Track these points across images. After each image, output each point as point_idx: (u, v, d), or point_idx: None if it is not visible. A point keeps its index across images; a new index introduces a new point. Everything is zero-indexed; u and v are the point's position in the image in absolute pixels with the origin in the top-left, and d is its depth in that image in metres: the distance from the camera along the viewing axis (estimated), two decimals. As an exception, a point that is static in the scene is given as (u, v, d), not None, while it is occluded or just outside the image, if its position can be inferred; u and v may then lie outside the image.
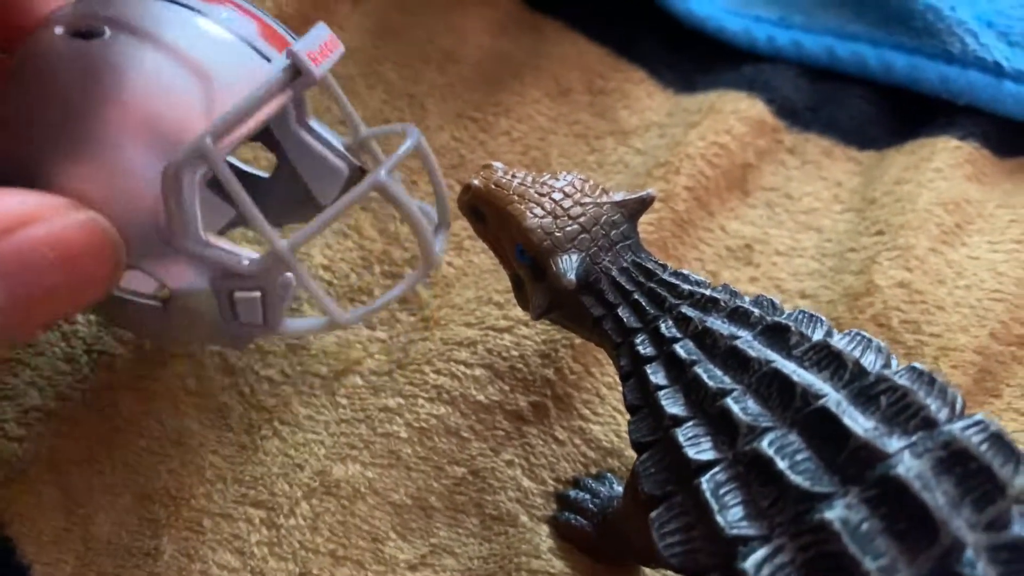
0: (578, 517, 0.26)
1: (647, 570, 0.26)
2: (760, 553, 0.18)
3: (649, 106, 0.37)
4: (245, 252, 0.22)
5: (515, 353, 0.28)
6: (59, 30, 0.21)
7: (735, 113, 0.36)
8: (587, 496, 0.26)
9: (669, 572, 0.26)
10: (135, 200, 0.20)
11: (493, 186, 0.25)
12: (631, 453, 0.28)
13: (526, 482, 0.27)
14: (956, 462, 0.18)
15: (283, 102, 0.21)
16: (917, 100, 0.39)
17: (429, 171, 0.26)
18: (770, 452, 0.19)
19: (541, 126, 0.36)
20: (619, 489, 0.26)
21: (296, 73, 0.21)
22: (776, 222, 0.35)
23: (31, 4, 0.22)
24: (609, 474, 0.27)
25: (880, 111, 0.39)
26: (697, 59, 0.39)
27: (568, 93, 0.37)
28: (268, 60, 0.22)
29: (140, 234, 0.21)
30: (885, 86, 0.39)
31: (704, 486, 0.19)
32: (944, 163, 0.36)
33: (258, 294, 0.22)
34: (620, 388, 0.29)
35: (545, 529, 0.26)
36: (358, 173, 0.27)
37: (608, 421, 0.28)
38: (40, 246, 0.17)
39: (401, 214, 0.24)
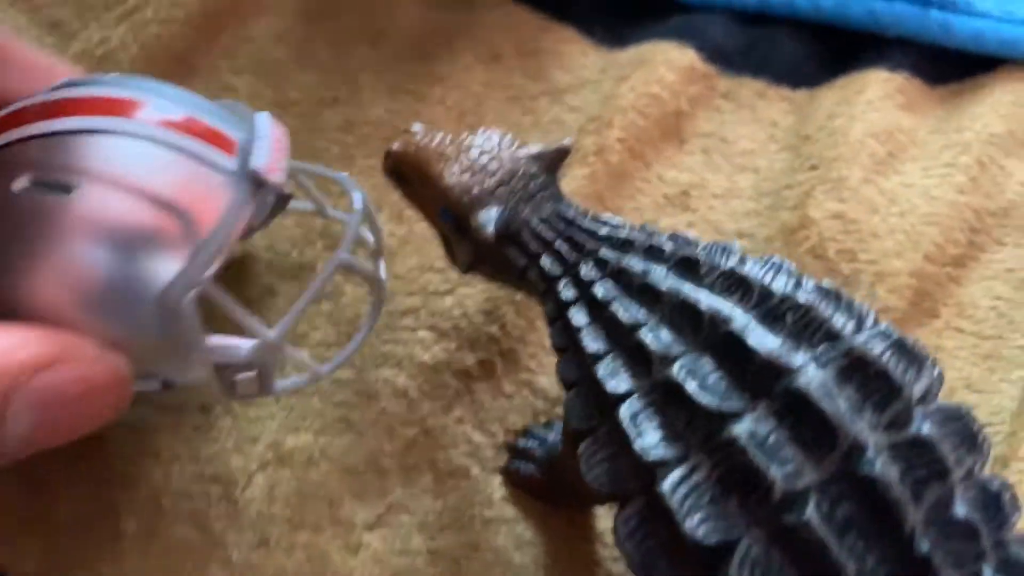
0: (527, 464, 0.27)
1: (600, 509, 0.27)
2: (676, 473, 0.19)
3: (582, 63, 0.38)
4: (238, 342, 0.24)
5: (457, 313, 0.29)
6: (24, 182, 0.21)
7: (666, 63, 0.36)
8: (535, 443, 0.27)
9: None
10: (142, 326, 0.22)
11: (413, 149, 0.25)
12: (579, 401, 0.29)
13: (477, 436, 0.28)
14: (856, 369, 0.19)
15: (249, 213, 0.23)
16: (847, 36, 0.39)
17: (369, 219, 0.28)
18: (680, 377, 0.19)
19: (475, 92, 0.36)
20: (566, 435, 0.27)
21: (258, 183, 0.23)
22: (713, 167, 0.35)
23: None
24: (557, 421, 0.28)
25: (811, 49, 0.39)
26: (627, 14, 0.40)
27: (500, 58, 0.37)
28: (224, 172, 0.23)
29: (147, 353, 0.22)
30: (815, 25, 0.40)
31: (622, 415, 0.20)
32: (875, 95, 0.36)
33: (255, 373, 0.24)
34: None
35: (497, 479, 0.27)
36: (284, 199, 0.28)
37: (554, 371, 0.29)
38: (68, 384, 0.20)
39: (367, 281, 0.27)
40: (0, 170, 0.21)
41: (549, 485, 0.26)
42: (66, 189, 0.21)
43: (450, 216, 0.24)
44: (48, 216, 0.21)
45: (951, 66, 0.38)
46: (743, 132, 0.37)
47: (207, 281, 0.22)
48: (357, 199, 0.27)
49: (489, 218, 0.23)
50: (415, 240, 0.32)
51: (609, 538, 0.26)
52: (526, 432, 0.28)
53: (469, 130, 0.26)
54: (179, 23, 0.34)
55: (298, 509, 0.26)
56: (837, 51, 0.39)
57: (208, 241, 0.22)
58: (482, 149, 0.25)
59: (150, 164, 0.22)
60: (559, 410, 0.29)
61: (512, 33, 0.38)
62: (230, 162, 0.23)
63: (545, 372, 0.29)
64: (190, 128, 0.23)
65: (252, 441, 0.27)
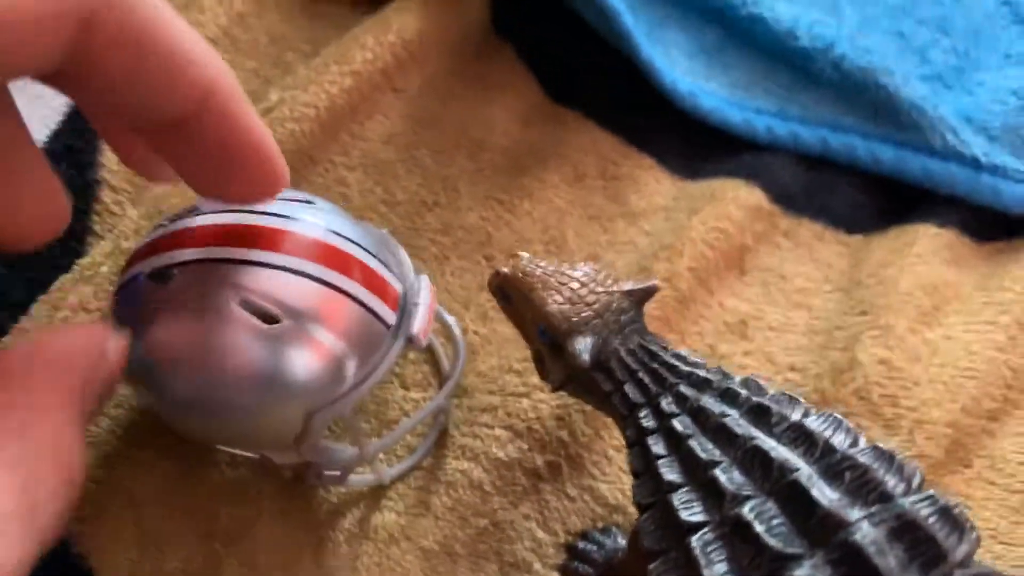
0: (585, 566, 0.29)
1: (646, 616, 0.29)
2: (740, 604, 0.21)
3: (657, 191, 0.41)
4: (342, 448, 0.29)
5: (532, 416, 0.32)
6: (236, 304, 0.25)
7: (735, 200, 0.40)
8: (593, 547, 0.30)
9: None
10: (285, 428, 0.27)
11: (520, 274, 0.29)
12: (633, 510, 0.32)
13: (540, 533, 0.30)
14: (906, 531, 0.21)
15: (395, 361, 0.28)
16: (902, 189, 0.42)
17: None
18: (750, 517, 0.22)
19: (559, 208, 0.40)
20: (622, 542, 0.30)
21: (409, 340, 0.28)
22: (770, 300, 0.39)
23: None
24: (614, 528, 0.31)
25: (868, 198, 0.43)
26: (701, 147, 0.44)
27: (583, 178, 0.41)
28: (387, 325, 0.27)
29: (276, 444, 0.28)
30: (874, 175, 0.43)
31: (694, 544, 0.22)
32: (924, 249, 0.39)
33: (340, 472, 0.29)
34: (624, 451, 0.33)
35: (556, 576, 0.29)
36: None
37: (614, 480, 0.32)
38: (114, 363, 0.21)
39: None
40: (214, 282, 0.25)
41: (605, 588, 0.29)
42: (271, 319, 0.25)
43: (548, 337, 0.28)
44: (254, 335, 0.25)
45: (998, 225, 0.41)
46: (800, 270, 0.40)
47: (355, 420, 0.28)
48: (461, 345, 0.33)
49: (585, 347, 0.27)
50: (497, 340, 0.35)
51: (654, 644, 0.28)
52: (584, 535, 0.31)
53: (567, 251, 0.29)
54: (308, 120, 0.38)
55: (378, 583, 0.29)
56: (892, 202, 0.42)
57: (366, 384, 0.27)
58: (581, 281, 0.28)
59: (338, 311, 0.26)
60: (616, 516, 0.31)
61: (596, 156, 0.42)
62: (392, 316, 0.27)
63: (606, 480, 0.32)
64: (371, 281, 0.27)
65: (341, 514, 0.30)
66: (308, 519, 0.30)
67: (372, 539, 0.29)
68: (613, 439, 0.33)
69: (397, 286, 0.28)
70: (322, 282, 0.26)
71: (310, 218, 0.27)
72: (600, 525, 0.31)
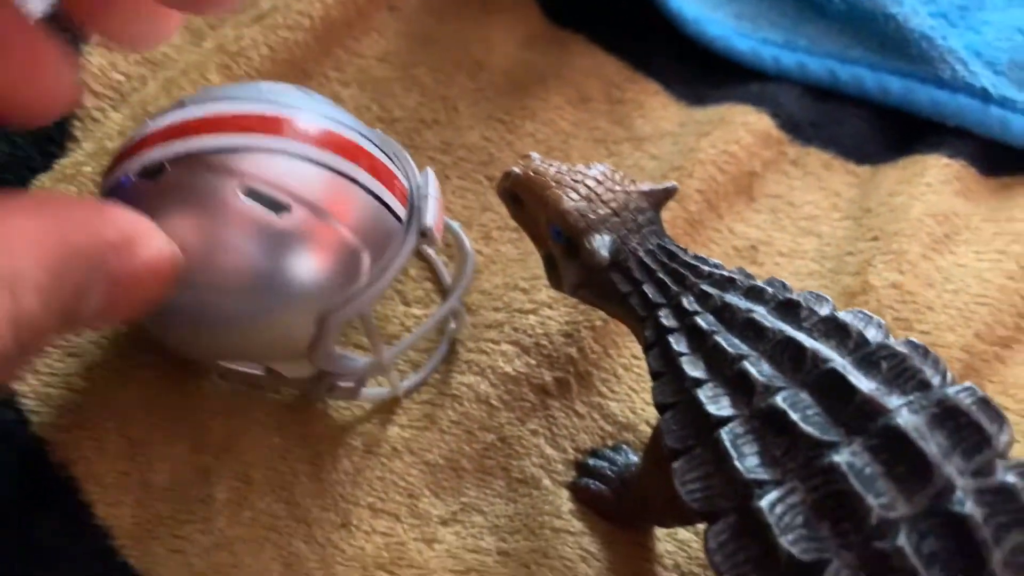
0: (596, 482, 0.28)
1: (658, 531, 0.28)
2: (774, 494, 0.20)
3: (663, 116, 0.40)
4: (355, 356, 0.27)
5: (540, 331, 0.31)
6: (241, 194, 0.23)
7: (744, 125, 0.38)
8: (605, 463, 0.28)
9: (679, 531, 0.28)
10: (297, 333, 0.25)
11: (532, 173, 0.27)
12: (644, 428, 0.31)
13: (549, 450, 0.29)
14: (948, 417, 0.20)
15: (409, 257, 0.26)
16: (910, 120, 0.41)
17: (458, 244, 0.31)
18: (784, 406, 0.21)
19: (563, 130, 0.38)
20: (634, 458, 0.29)
21: (422, 234, 0.26)
22: (779, 226, 0.38)
23: None
24: (624, 445, 0.29)
25: (876, 129, 0.42)
26: (707, 75, 0.42)
27: (588, 101, 0.40)
28: (399, 219, 0.26)
29: (285, 352, 0.26)
30: (882, 106, 0.42)
31: (724, 437, 0.21)
32: (934, 179, 0.38)
33: (353, 383, 0.28)
34: (634, 369, 0.31)
35: (565, 493, 0.28)
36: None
37: (624, 399, 0.31)
38: (138, 266, 0.19)
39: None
40: (213, 172, 0.23)
41: (618, 504, 0.28)
42: (280, 207, 0.23)
43: (563, 238, 0.26)
44: (262, 227, 0.23)
45: (1005, 159, 0.41)
46: (809, 198, 0.39)
47: (371, 318, 0.26)
48: (467, 245, 0.30)
49: (603, 243, 0.25)
50: (502, 260, 0.34)
51: (667, 560, 0.27)
52: (595, 452, 0.29)
53: (583, 162, 0.28)
54: (303, 30, 0.36)
55: (380, 496, 0.27)
56: (900, 134, 0.42)
57: (381, 281, 0.25)
58: (597, 180, 0.27)
59: (350, 200, 0.24)
60: (626, 435, 0.30)
61: (601, 80, 0.41)
62: (402, 210, 0.26)
63: (616, 398, 0.31)
64: (379, 171, 0.25)
65: (341, 428, 0.28)
66: (305, 432, 0.28)
67: (374, 453, 0.28)
68: (622, 357, 0.31)
69: (404, 180, 0.27)
70: (331, 169, 0.24)
71: (310, 105, 0.25)
72: (610, 443, 0.30)
